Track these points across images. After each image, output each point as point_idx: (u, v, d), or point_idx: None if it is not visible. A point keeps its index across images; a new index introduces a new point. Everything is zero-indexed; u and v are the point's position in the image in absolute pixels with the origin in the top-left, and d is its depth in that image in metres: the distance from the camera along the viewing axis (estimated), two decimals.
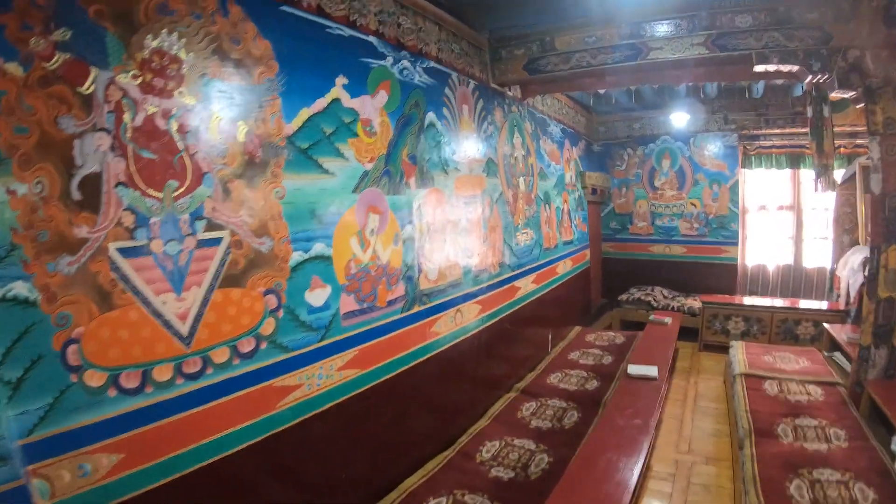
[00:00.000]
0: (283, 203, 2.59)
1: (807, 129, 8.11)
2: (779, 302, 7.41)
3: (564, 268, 6.88)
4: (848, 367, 5.37)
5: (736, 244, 8.54)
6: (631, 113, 8.72)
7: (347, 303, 3.02)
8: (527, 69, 4.86)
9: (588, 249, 8.10)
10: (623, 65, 4.56)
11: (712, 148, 8.48)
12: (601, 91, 6.86)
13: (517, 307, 5.36)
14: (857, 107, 4.48)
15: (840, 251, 7.57)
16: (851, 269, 6.67)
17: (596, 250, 8.81)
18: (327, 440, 2.88)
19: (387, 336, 3.35)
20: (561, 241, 6.76)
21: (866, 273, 4.72)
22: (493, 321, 4.84)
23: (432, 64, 3.94)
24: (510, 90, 5.29)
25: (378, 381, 3.26)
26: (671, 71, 4.76)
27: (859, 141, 7.71)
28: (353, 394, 3.04)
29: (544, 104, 6.46)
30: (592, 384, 5.26)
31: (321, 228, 2.84)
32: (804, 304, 7.31)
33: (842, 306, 6.84)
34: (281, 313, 2.57)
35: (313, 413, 2.75)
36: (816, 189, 5.72)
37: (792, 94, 7.72)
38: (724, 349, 6.81)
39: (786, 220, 8.69)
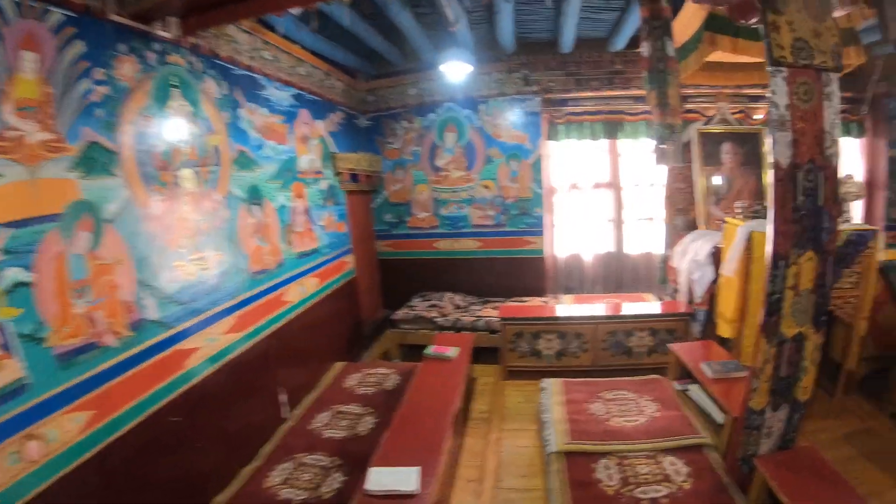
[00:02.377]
0: None
1: (626, 92, 7.02)
2: (601, 308, 6.09)
3: (303, 291, 5.02)
4: (711, 408, 4.31)
5: (542, 233, 7.23)
6: (406, 76, 7.01)
7: None
8: None
9: (350, 255, 6.31)
10: None
11: (509, 116, 7.01)
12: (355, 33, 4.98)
13: (191, 382, 3.44)
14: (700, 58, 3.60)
15: (674, 235, 6.60)
16: (695, 262, 5.57)
17: (366, 253, 7.05)
18: None
19: None
20: (291, 254, 4.85)
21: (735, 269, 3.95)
22: (130, 425, 2.92)
23: None
24: (160, 25, 3.22)
25: None
26: None
27: (690, 105, 6.73)
28: None
29: (257, 57, 4.45)
30: (331, 484, 3.59)
31: None
32: (634, 308, 6.05)
33: (683, 307, 5.80)
34: None
35: None
36: (659, 161, 4.26)
37: (609, 49, 6.37)
38: (537, 375, 5.46)
39: (604, 201, 7.46)
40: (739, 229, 4.76)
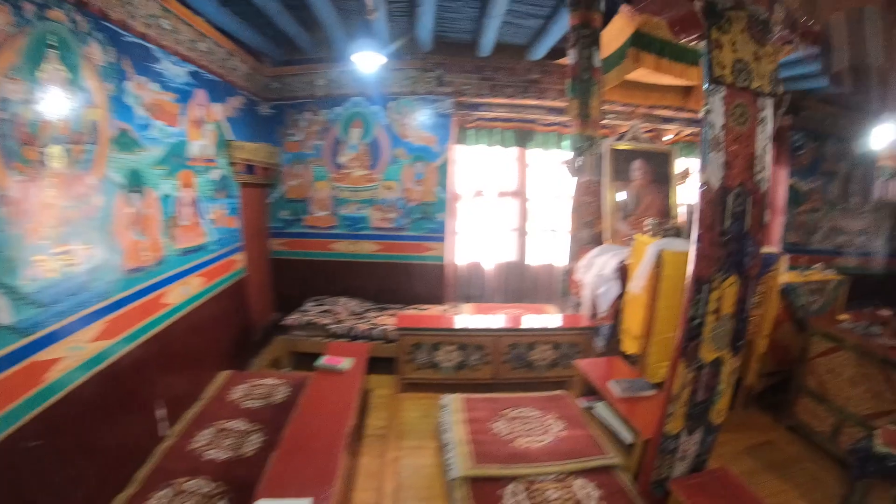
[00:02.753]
0: None
1: (540, 102, 6.96)
2: (503, 320, 5.94)
3: (186, 292, 4.49)
4: (619, 427, 4.14)
5: (444, 239, 7.03)
6: (315, 64, 6.59)
7: None
8: None
9: (241, 253, 5.80)
10: None
11: (419, 116, 6.78)
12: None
13: (53, 400, 2.89)
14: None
15: (579, 248, 6.53)
16: (601, 276, 5.52)
17: (258, 251, 6.54)
18: None
19: None
20: (174, 250, 4.31)
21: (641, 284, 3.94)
22: None
23: None
24: None
25: None
26: None
27: (603, 121, 6.69)
28: None
29: (153, 24, 3.92)
30: None
31: None
32: (537, 320, 5.95)
33: (586, 321, 5.75)
34: None
35: None
36: (573, 172, 4.12)
37: (527, 57, 6.27)
38: (436, 388, 5.26)
39: (508, 210, 7.38)
40: (650, 247, 4.77)
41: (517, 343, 5.55)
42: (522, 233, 7.48)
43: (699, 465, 3.40)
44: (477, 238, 7.40)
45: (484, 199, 7.33)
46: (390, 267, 7.01)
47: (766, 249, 5.06)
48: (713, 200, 2.86)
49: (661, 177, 6.34)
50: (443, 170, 6.82)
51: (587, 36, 4.01)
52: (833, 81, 3.49)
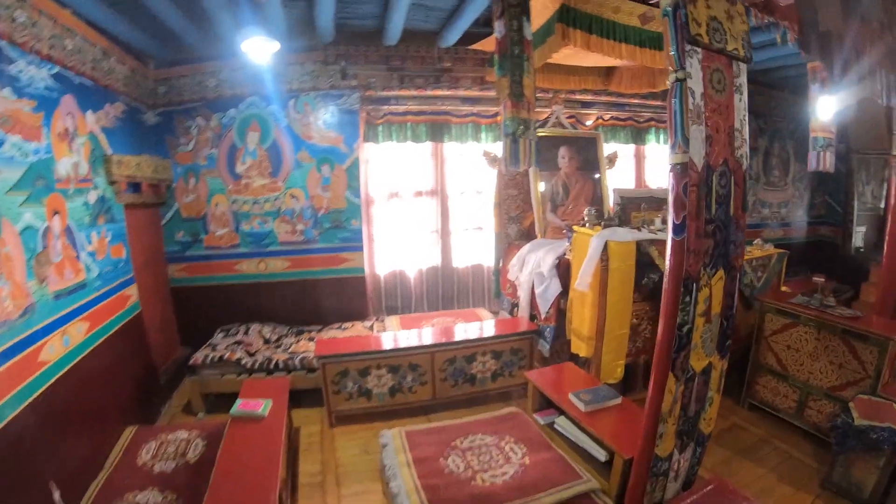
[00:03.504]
0: None
1: (454, 92, 6.44)
2: (436, 334, 5.42)
3: (68, 342, 3.67)
4: (588, 444, 3.70)
5: (361, 248, 6.47)
6: (205, 63, 5.83)
7: None
8: None
9: (133, 286, 4.98)
10: None
11: (323, 114, 6.17)
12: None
13: None
14: None
15: (507, 246, 6.26)
16: (537, 274, 5.25)
17: (155, 281, 5.69)
18: None
19: None
20: (45, 295, 3.49)
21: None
22: None
23: None
24: None
25: None
26: None
27: None
28: None
29: (5, 16, 3.12)
30: None
31: None
32: (473, 329, 5.51)
33: (526, 324, 5.47)
34: None
35: None
36: (510, 163, 3.68)
37: (438, 44, 5.86)
38: (371, 417, 4.82)
39: (427, 210, 6.93)
40: (594, 239, 4.47)
41: (454, 357, 5.09)
42: (445, 234, 7.06)
43: (691, 478, 3.09)
44: (397, 244, 6.90)
45: (401, 201, 6.84)
46: (304, 285, 6.36)
47: None
48: (698, 183, 2.49)
49: (588, 163, 6.11)
50: (353, 172, 6.26)
51: (515, 5, 3.57)
52: (802, 47, 3.24)
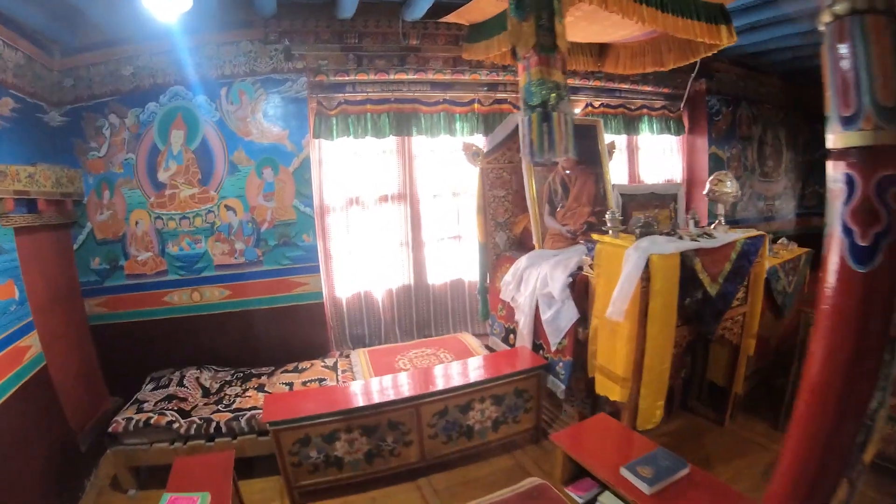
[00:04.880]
0: None
1: (423, 76, 5.47)
2: (418, 381, 4.22)
3: None
4: None
5: (317, 269, 5.41)
6: (119, 47, 4.75)
7: None
8: None
9: (30, 335, 3.71)
10: None
11: (263, 104, 5.14)
12: None
13: None
14: None
15: (495, 257, 5.40)
16: (545, 296, 4.35)
17: (66, 322, 4.48)
18: None
19: None
20: None
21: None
22: None
23: None
24: None
25: None
26: None
27: (501, 95, 5.85)
28: None
29: None
30: None
31: None
32: (464, 369, 4.39)
33: (527, 358, 4.40)
34: None
35: None
36: (535, 154, 2.65)
37: (404, 17, 4.91)
38: (345, 490, 3.82)
39: (395, 219, 5.90)
40: (630, 252, 3.49)
41: (445, 408, 3.98)
42: (417, 246, 6.01)
43: None
44: (360, 260, 5.81)
45: (362, 209, 5.76)
46: (248, 317, 5.24)
47: (747, 233, 4.09)
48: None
49: (589, 155, 5.18)
50: (302, 175, 5.21)
51: None
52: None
